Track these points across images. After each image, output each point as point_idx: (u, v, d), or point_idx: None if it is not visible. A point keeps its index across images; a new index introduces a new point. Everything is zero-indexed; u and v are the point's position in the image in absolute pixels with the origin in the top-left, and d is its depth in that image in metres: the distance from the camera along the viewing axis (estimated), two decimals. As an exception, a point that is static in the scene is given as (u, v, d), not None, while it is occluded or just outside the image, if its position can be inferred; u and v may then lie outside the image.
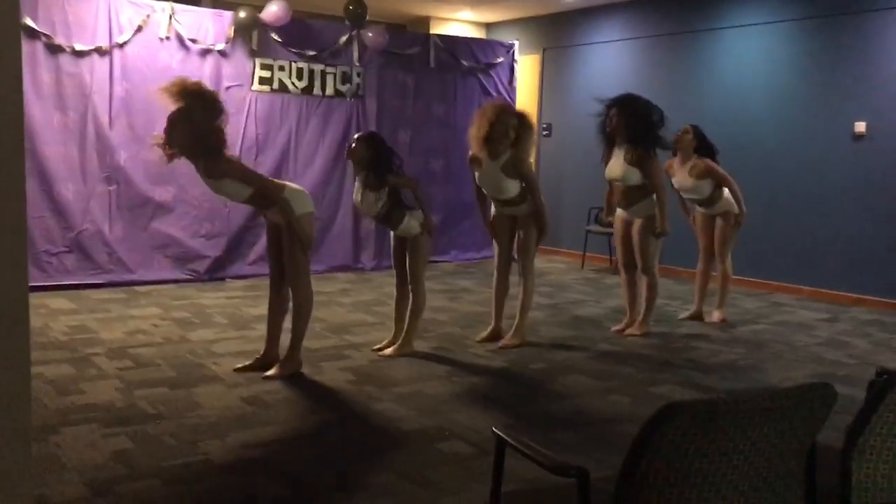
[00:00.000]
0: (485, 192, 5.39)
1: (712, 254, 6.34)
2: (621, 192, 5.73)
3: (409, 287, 5.09)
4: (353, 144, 4.87)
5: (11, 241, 1.75)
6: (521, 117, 5.26)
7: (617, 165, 5.64)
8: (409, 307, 5.13)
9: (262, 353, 4.73)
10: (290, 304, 4.66)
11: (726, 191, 6.15)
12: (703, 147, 6.07)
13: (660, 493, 1.55)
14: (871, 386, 1.94)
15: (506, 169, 5.16)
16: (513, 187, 5.22)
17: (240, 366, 4.70)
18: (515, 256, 5.47)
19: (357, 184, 4.92)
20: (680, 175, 6.12)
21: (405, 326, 5.15)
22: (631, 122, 5.51)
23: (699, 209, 6.31)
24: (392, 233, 5.16)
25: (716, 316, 6.35)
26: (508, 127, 5.11)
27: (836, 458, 1.89)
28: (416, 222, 4.96)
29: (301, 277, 4.54)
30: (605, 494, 1.75)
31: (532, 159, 5.42)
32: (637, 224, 5.73)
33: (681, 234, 7.20)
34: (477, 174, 5.31)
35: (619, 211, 5.90)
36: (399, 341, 5.15)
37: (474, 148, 5.23)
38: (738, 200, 6.15)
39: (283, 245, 4.52)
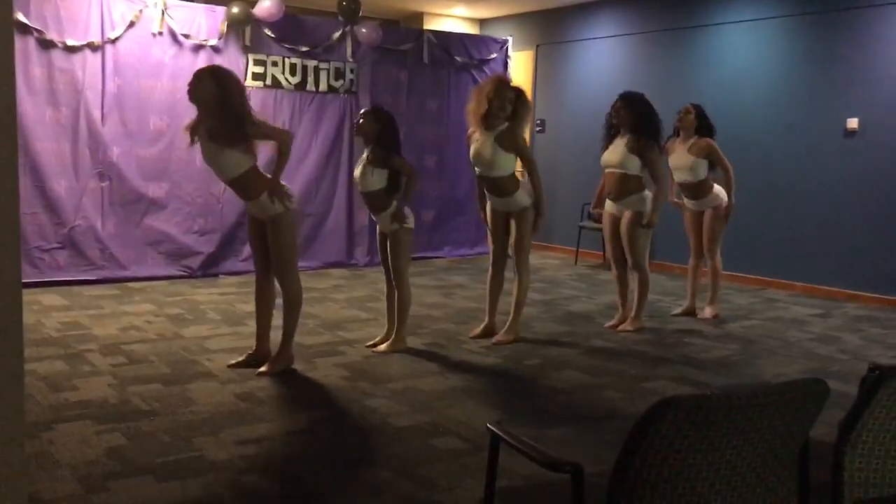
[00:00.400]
0: (478, 170, 5.32)
1: (703, 250, 6.35)
2: (614, 180, 5.71)
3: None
4: (361, 120, 4.91)
5: (5, 237, 1.74)
6: (519, 93, 5.27)
7: (616, 152, 5.66)
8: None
9: (253, 349, 4.73)
10: (279, 300, 4.66)
11: (716, 186, 6.17)
12: (704, 127, 6.10)
13: (653, 488, 1.55)
14: (863, 381, 1.95)
15: (500, 140, 5.14)
16: (506, 162, 5.18)
17: (233, 362, 4.69)
18: (511, 253, 5.48)
19: (364, 155, 4.95)
20: (679, 152, 6.11)
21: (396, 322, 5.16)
22: (635, 113, 5.58)
23: (688, 202, 6.29)
24: (378, 228, 5.17)
25: (708, 312, 6.36)
26: (506, 101, 5.12)
27: (829, 453, 1.89)
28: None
29: (290, 272, 4.53)
30: (599, 490, 1.75)
31: (526, 135, 5.41)
32: (626, 218, 5.72)
33: (673, 230, 7.22)
34: (472, 148, 5.27)
35: (607, 204, 5.89)
36: (392, 337, 5.15)
37: (472, 123, 5.25)
38: (730, 189, 6.13)
39: (268, 241, 4.50)
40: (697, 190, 6.16)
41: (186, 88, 4.29)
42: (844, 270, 7.31)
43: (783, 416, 1.63)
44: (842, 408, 1.99)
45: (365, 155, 4.94)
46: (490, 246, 5.57)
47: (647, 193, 5.71)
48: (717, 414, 1.54)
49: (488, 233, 5.57)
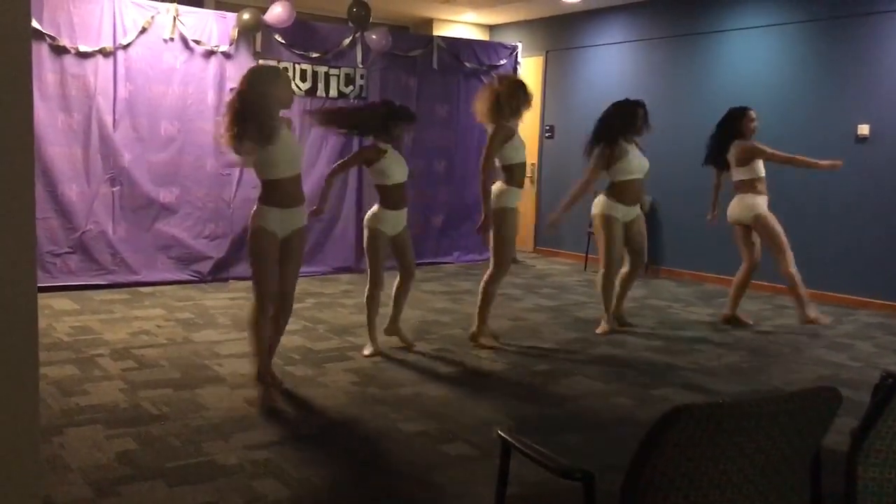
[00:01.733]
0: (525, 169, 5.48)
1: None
2: (640, 187, 5.92)
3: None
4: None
5: (20, 242, 1.75)
6: (524, 88, 5.42)
7: (643, 159, 5.85)
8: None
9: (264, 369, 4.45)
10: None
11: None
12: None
13: (665, 496, 1.55)
14: (876, 390, 1.94)
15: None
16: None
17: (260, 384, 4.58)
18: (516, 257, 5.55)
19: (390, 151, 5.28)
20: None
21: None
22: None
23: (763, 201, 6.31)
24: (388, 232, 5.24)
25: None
26: (521, 102, 5.34)
27: (842, 461, 1.89)
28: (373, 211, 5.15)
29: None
30: (610, 497, 1.75)
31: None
32: (640, 218, 5.99)
33: (682, 237, 7.20)
34: (520, 149, 5.36)
35: (627, 212, 5.85)
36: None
37: (491, 121, 5.38)
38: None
39: (288, 255, 4.28)
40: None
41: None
42: (856, 277, 7.27)
43: (795, 425, 1.62)
44: (854, 416, 1.99)
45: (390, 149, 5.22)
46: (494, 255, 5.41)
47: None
48: (729, 422, 1.53)
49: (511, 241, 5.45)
